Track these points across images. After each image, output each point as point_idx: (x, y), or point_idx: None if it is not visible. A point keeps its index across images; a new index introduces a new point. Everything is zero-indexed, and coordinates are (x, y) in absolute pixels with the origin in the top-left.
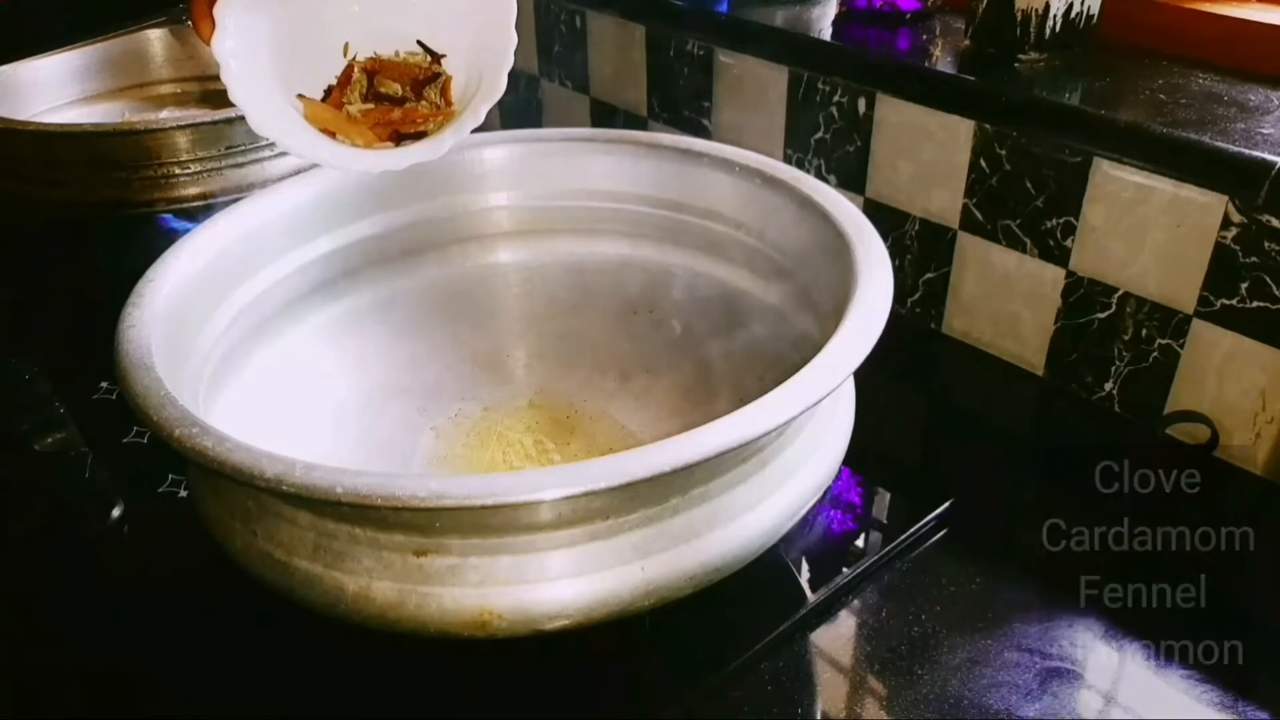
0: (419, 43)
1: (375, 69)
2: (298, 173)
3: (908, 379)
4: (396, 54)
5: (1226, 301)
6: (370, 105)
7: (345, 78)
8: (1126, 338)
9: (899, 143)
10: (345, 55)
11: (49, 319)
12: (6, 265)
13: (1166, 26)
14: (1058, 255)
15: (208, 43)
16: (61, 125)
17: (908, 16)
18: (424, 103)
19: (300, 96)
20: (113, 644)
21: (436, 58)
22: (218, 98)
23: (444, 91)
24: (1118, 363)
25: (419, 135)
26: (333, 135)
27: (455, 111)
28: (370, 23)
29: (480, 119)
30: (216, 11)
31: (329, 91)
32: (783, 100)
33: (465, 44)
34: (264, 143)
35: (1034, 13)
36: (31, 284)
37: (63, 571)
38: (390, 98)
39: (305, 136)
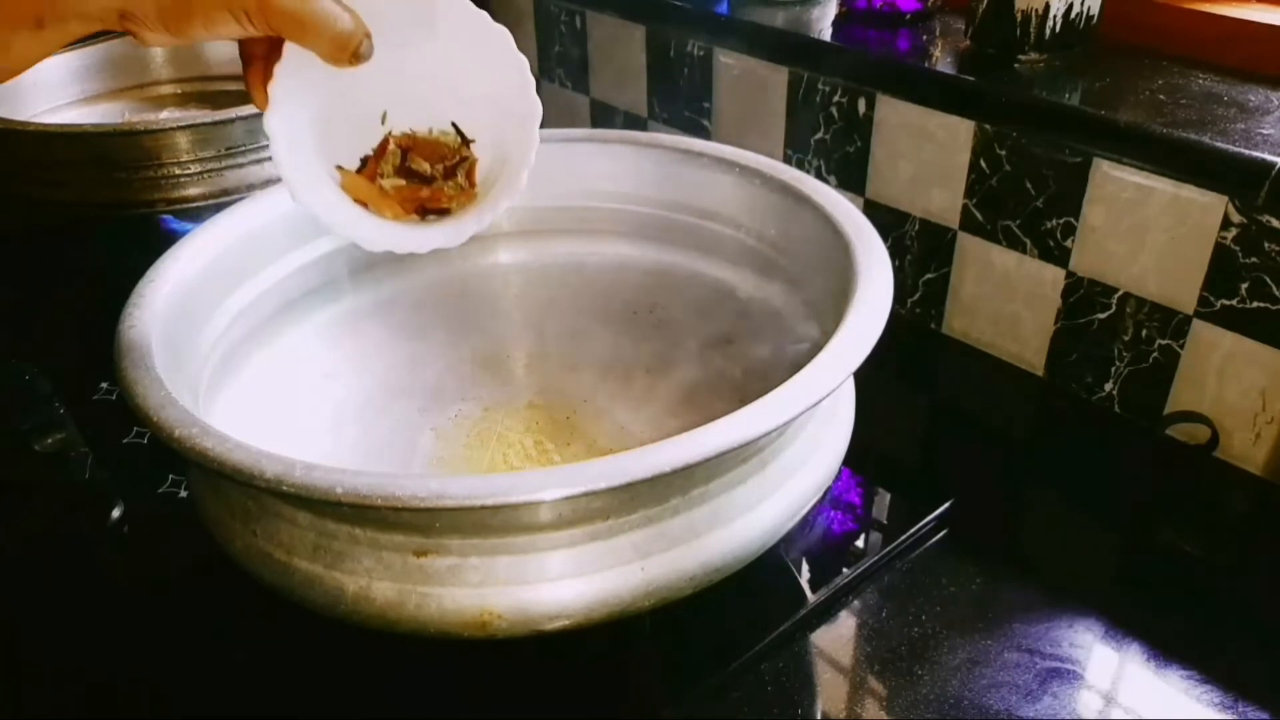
0: (453, 125)
1: (409, 145)
2: None
3: (908, 379)
4: (430, 131)
5: (1226, 302)
6: (402, 182)
7: (381, 149)
8: (1126, 338)
9: (899, 143)
10: (382, 123)
11: (49, 319)
12: (7, 265)
13: (1166, 27)
14: (1058, 255)
15: (263, 110)
16: (61, 125)
17: (907, 17)
18: (451, 183)
19: (339, 168)
20: (112, 644)
21: (467, 141)
22: (218, 98)
23: (469, 174)
24: (1118, 363)
25: (442, 211)
26: (364, 205)
27: (476, 194)
28: (407, 102)
29: (499, 212)
30: (271, 88)
31: (365, 161)
32: (783, 100)
33: (491, 129)
34: (264, 143)
35: (1034, 13)
36: (32, 284)
37: (63, 572)
38: (420, 175)
39: (342, 210)
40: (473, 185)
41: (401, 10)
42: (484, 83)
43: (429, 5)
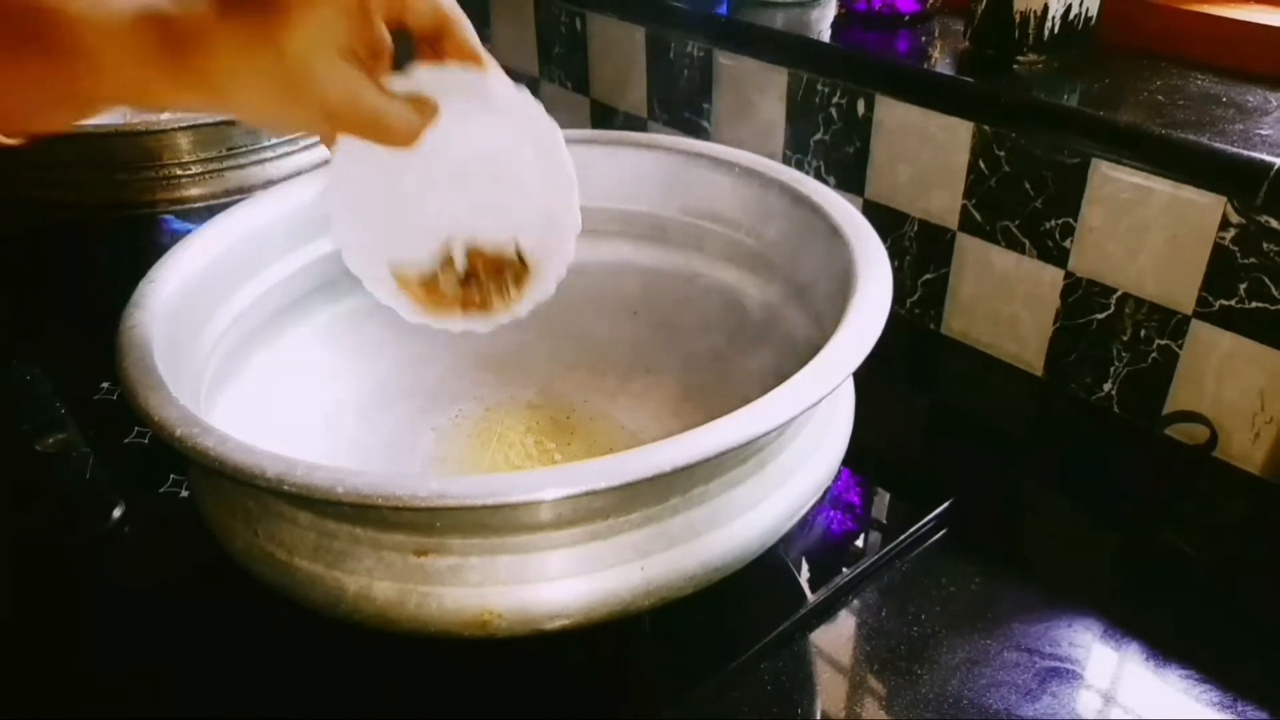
0: (517, 251)
1: (475, 259)
2: (299, 173)
3: (908, 379)
4: (497, 250)
5: (1225, 302)
6: (458, 291)
7: (447, 262)
8: (1125, 338)
9: (898, 144)
10: (443, 218)
11: (50, 320)
12: (7, 266)
13: (1165, 28)
14: (1056, 256)
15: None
16: None
17: (906, 18)
18: (499, 292)
19: (396, 275)
20: (113, 644)
21: (525, 264)
22: None
23: (519, 283)
24: (1116, 363)
25: (483, 308)
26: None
27: (517, 302)
28: (457, 183)
29: (525, 312)
30: (333, 155)
31: (430, 274)
32: (782, 101)
33: (529, 225)
34: (265, 143)
35: (1033, 14)
36: (32, 285)
37: (64, 572)
38: (476, 280)
39: (388, 281)
40: (520, 295)
41: (458, 83)
42: (531, 177)
43: (482, 83)
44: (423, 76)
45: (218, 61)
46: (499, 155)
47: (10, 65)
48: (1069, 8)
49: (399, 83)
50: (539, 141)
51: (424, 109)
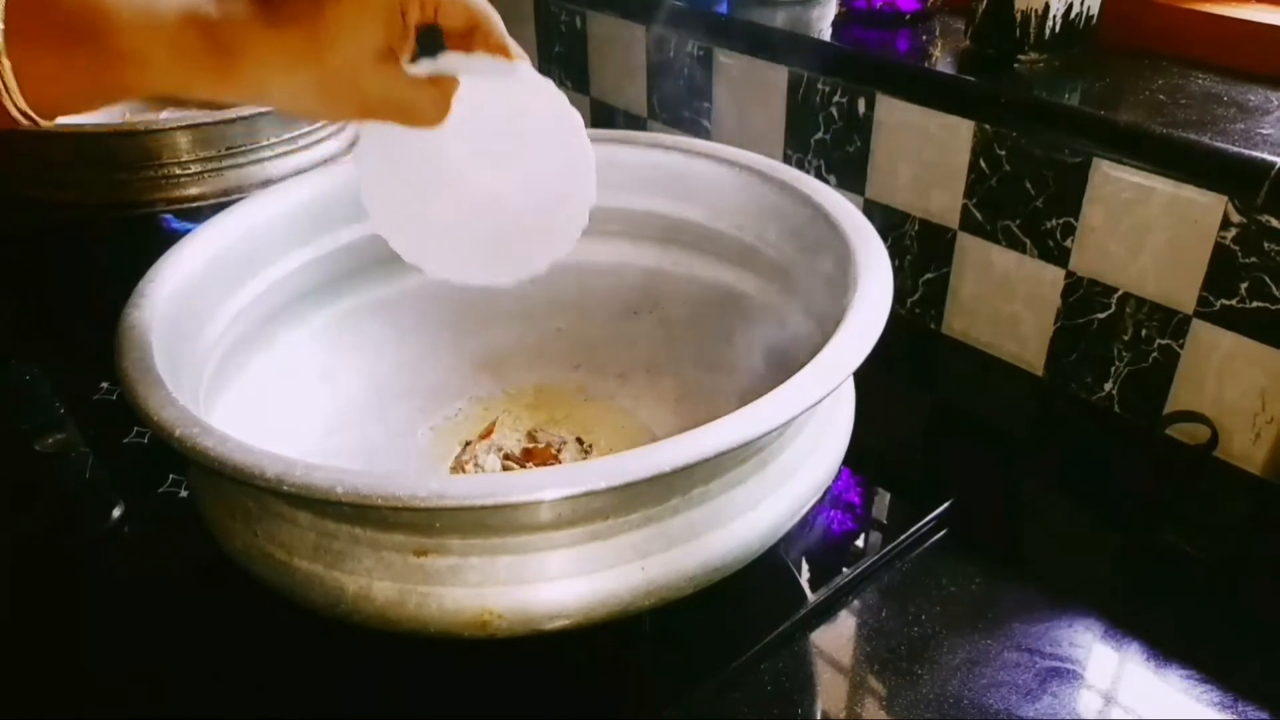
0: (578, 440)
1: (528, 445)
2: (298, 173)
3: (908, 379)
4: (549, 446)
5: (1226, 302)
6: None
7: (487, 431)
8: (1126, 338)
9: (899, 143)
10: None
11: (49, 319)
12: (7, 266)
13: (1166, 27)
14: (1057, 256)
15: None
16: (61, 125)
17: (907, 17)
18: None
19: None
20: (112, 644)
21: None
22: None
23: (557, 455)
24: (1117, 363)
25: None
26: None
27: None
28: (476, 146)
29: (539, 270)
30: (361, 131)
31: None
32: (783, 100)
33: (547, 191)
34: (264, 143)
35: (1034, 13)
36: (32, 285)
37: (63, 572)
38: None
39: (412, 240)
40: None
41: (485, 66)
42: (551, 144)
43: (510, 69)
44: (451, 62)
45: (261, 69)
46: (519, 122)
47: (61, 63)
48: (1070, 7)
49: (425, 65)
50: (560, 120)
51: (446, 86)
